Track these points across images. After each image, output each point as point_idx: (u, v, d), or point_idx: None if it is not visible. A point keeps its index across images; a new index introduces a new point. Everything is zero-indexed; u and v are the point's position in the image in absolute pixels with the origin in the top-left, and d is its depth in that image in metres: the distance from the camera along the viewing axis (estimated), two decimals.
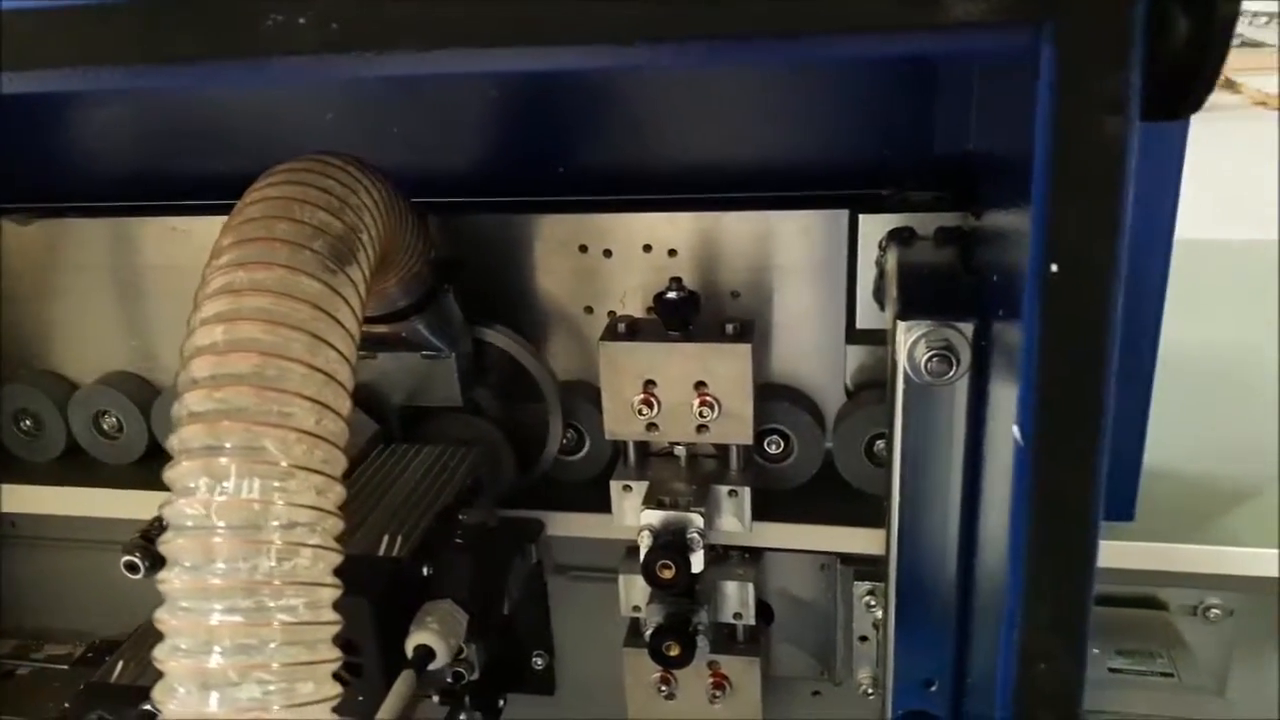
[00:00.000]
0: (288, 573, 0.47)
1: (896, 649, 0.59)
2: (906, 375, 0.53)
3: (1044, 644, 0.37)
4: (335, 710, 0.49)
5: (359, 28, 0.34)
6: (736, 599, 0.80)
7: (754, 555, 0.81)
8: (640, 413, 0.73)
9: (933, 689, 0.60)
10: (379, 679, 0.60)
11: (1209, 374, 1.02)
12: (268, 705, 0.46)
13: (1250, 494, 0.80)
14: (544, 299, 0.81)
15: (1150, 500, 0.74)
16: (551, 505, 0.82)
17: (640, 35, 0.33)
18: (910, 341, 0.52)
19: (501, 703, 0.84)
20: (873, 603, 0.78)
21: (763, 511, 0.77)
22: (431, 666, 0.63)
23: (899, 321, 0.52)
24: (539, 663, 0.90)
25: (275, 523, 0.47)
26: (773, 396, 0.78)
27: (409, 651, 0.62)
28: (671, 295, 0.71)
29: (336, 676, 0.49)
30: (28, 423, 0.91)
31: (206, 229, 0.80)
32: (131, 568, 0.68)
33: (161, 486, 0.47)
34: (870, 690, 0.81)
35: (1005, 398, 0.40)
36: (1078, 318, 0.33)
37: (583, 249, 0.78)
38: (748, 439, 0.73)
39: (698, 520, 0.73)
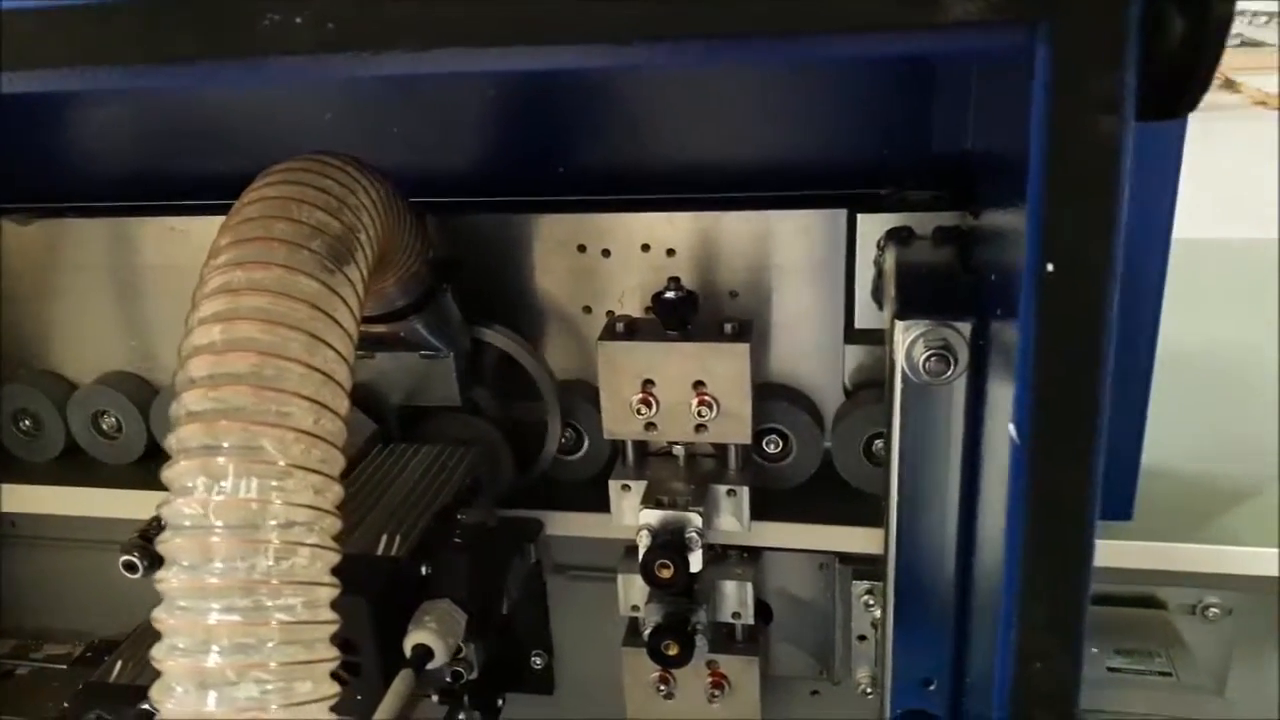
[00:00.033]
0: (285, 572, 0.47)
1: (895, 648, 0.59)
2: (904, 375, 0.53)
3: (1040, 643, 0.37)
4: (333, 709, 0.49)
5: (355, 27, 0.34)
6: (735, 598, 0.80)
7: (753, 555, 0.81)
8: (639, 412, 0.73)
9: (931, 688, 0.60)
10: (377, 678, 0.61)
11: (1208, 373, 1.02)
12: (265, 704, 0.46)
13: (1249, 493, 0.80)
14: (542, 299, 0.81)
15: (1149, 499, 0.74)
16: (550, 505, 0.82)
17: (638, 34, 0.33)
18: (908, 341, 0.52)
19: (500, 702, 0.84)
20: (871, 602, 0.78)
21: (761, 511, 0.77)
22: (430, 666, 0.63)
23: (897, 321, 0.52)
24: (538, 662, 0.90)
25: (273, 522, 0.47)
26: (771, 396, 0.78)
27: (407, 651, 0.62)
28: (670, 295, 0.71)
29: (334, 676, 0.50)
30: (27, 423, 0.91)
31: (205, 229, 0.80)
32: (130, 567, 0.68)
33: (160, 486, 0.47)
34: (869, 689, 0.81)
35: (1003, 397, 0.40)
36: (1073, 317, 0.33)
37: (581, 249, 0.78)
38: (746, 438, 0.74)
39: (696, 520, 0.73)
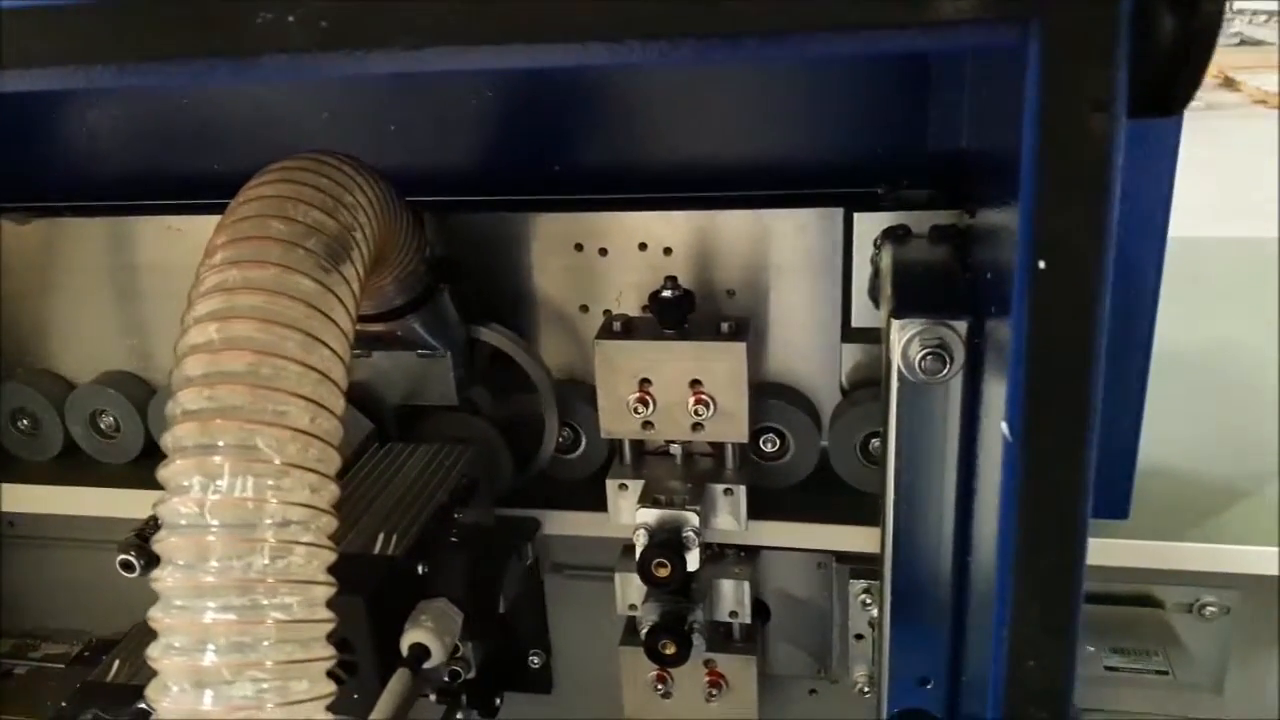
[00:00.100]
0: (281, 571, 0.47)
1: (892, 647, 0.59)
2: (901, 373, 0.53)
3: (1033, 642, 0.37)
4: (330, 708, 0.49)
5: (349, 26, 0.34)
6: (733, 597, 0.80)
7: (750, 554, 0.82)
8: (636, 411, 0.73)
9: (928, 687, 0.60)
10: (374, 677, 0.61)
11: (1207, 372, 1.02)
12: (261, 703, 0.46)
13: (1246, 492, 0.80)
14: (540, 297, 0.81)
15: (1146, 498, 0.74)
16: (548, 504, 0.82)
17: (631, 34, 0.33)
18: (904, 339, 0.52)
19: (498, 701, 0.84)
20: (869, 601, 0.78)
21: (758, 510, 0.77)
22: (427, 665, 0.63)
23: (893, 319, 0.52)
24: (536, 661, 0.90)
25: (269, 521, 0.47)
26: (768, 395, 0.78)
27: (404, 650, 0.63)
28: (667, 294, 0.71)
29: (331, 675, 0.50)
30: (25, 422, 0.91)
31: (203, 228, 0.79)
32: (127, 566, 0.68)
33: (158, 486, 0.47)
34: (866, 689, 0.81)
35: (998, 395, 0.40)
36: (1065, 314, 0.33)
37: (578, 247, 0.78)
38: (743, 437, 0.74)
39: (693, 519, 0.73)
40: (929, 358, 0.52)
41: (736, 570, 0.80)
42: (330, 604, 0.49)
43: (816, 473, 0.79)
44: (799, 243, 0.75)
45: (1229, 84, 6.89)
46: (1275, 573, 0.73)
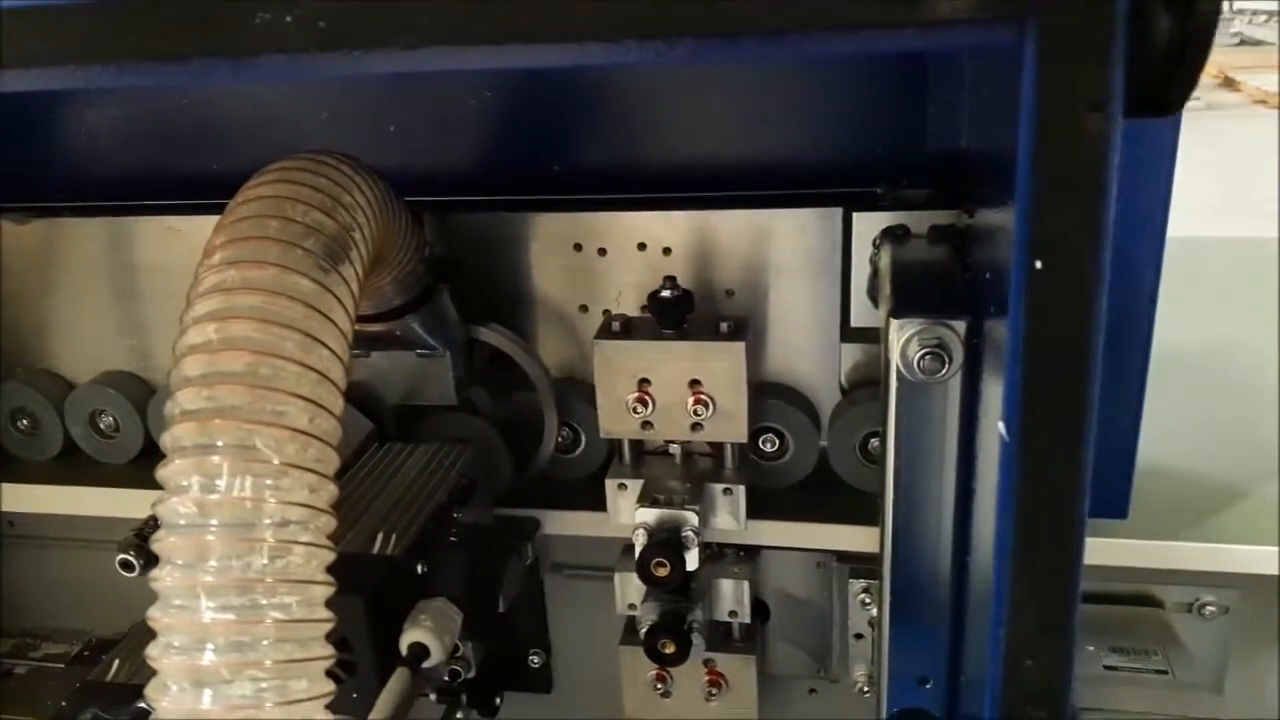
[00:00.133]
0: (280, 570, 0.47)
1: (891, 646, 0.59)
2: (899, 373, 0.53)
3: (1031, 641, 0.37)
4: (329, 708, 0.49)
5: (346, 26, 0.35)
6: (732, 597, 0.80)
7: (749, 553, 0.82)
8: (635, 411, 0.73)
9: (928, 687, 0.60)
10: (373, 677, 0.61)
11: (1207, 371, 1.02)
12: (260, 703, 0.46)
13: (1246, 491, 0.80)
14: (539, 297, 0.81)
15: (1146, 497, 0.74)
16: (547, 504, 0.82)
17: (628, 33, 0.33)
18: (903, 339, 0.52)
19: (498, 701, 0.85)
20: (868, 600, 0.78)
21: (758, 509, 0.77)
22: (426, 664, 0.63)
23: (892, 319, 0.52)
24: (536, 661, 0.90)
25: (268, 521, 0.47)
26: (768, 395, 0.78)
27: (403, 649, 0.63)
28: (666, 294, 0.71)
29: (330, 674, 0.50)
30: (24, 422, 0.91)
31: (203, 228, 0.79)
32: (126, 566, 0.68)
33: (158, 486, 0.48)
34: (866, 688, 0.81)
35: (997, 395, 0.40)
36: (1062, 314, 0.33)
37: (577, 247, 0.78)
38: (742, 437, 0.74)
39: (692, 518, 0.73)
40: (928, 357, 0.52)
41: (736, 570, 0.80)
42: (329, 603, 0.49)
43: (816, 472, 0.79)
44: (798, 242, 0.75)
45: (1229, 84, 6.89)
46: (1274, 572, 0.73)
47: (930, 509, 0.55)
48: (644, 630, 0.77)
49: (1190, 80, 0.31)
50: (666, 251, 0.77)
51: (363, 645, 0.60)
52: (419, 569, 0.67)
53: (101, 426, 0.89)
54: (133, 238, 0.85)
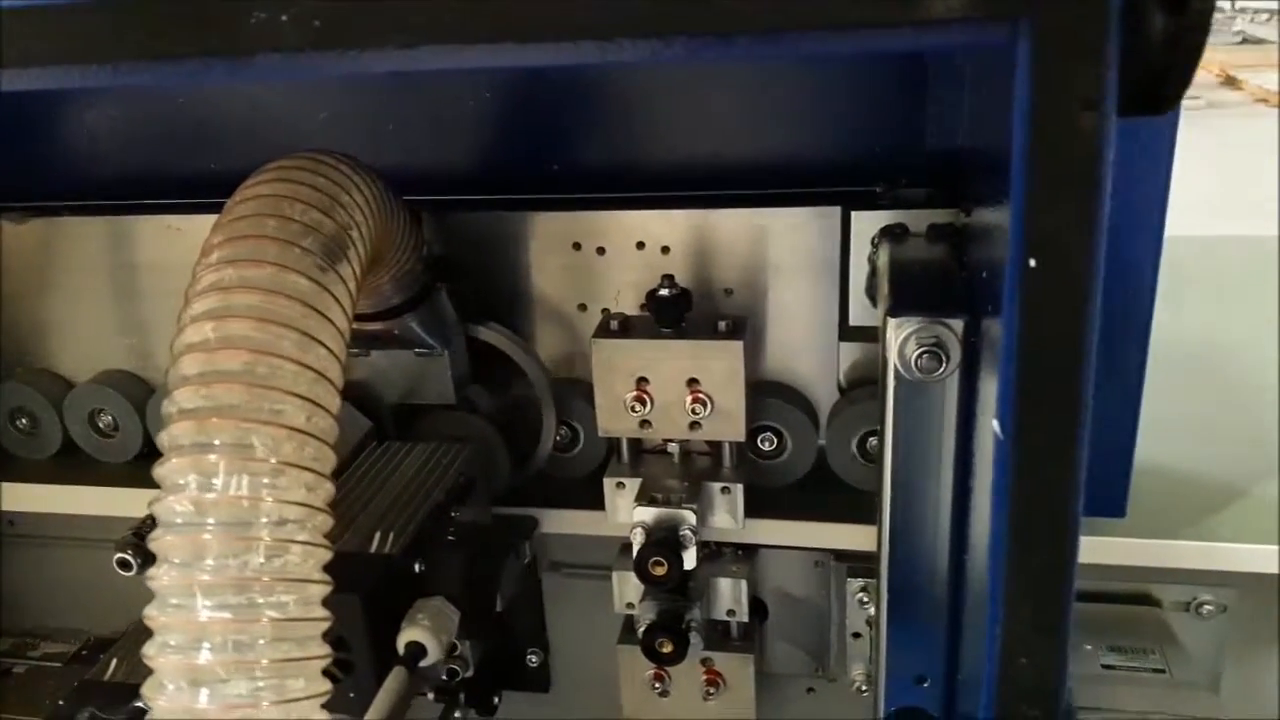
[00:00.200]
0: (277, 569, 0.47)
1: (888, 645, 0.59)
2: (897, 372, 0.53)
3: (1025, 639, 0.37)
4: (326, 707, 0.49)
5: (342, 25, 0.35)
6: (730, 596, 0.80)
7: (748, 552, 0.82)
8: (633, 410, 0.73)
9: (925, 685, 0.60)
10: (370, 676, 0.61)
11: (1207, 370, 1.02)
12: (257, 701, 0.46)
13: (1245, 490, 0.80)
14: (537, 296, 0.81)
15: (1144, 496, 0.74)
16: (546, 502, 0.82)
17: (622, 32, 0.33)
18: (901, 338, 0.52)
19: (496, 700, 0.85)
20: (866, 599, 0.78)
21: (756, 508, 0.77)
22: (424, 663, 0.63)
23: (889, 318, 0.52)
24: (534, 660, 0.90)
25: (265, 519, 0.47)
26: (766, 393, 0.78)
27: (400, 648, 0.63)
28: (664, 292, 0.71)
29: (327, 673, 0.50)
30: (24, 421, 0.91)
31: (202, 227, 0.78)
32: (124, 565, 0.68)
33: (157, 485, 0.48)
34: (864, 687, 0.81)
35: (993, 394, 0.40)
36: (1056, 312, 0.33)
37: (576, 246, 0.78)
38: (740, 436, 0.74)
39: (690, 517, 0.73)
40: (925, 356, 0.52)
41: (734, 569, 0.80)
42: (327, 602, 0.49)
43: (814, 471, 0.79)
44: (797, 241, 0.75)
45: (1230, 82, 6.89)
46: (1272, 571, 0.73)
47: (928, 508, 0.55)
48: (642, 629, 0.77)
49: (1184, 78, 0.31)
50: (665, 250, 0.77)
51: (360, 644, 0.60)
52: (416, 568, 0.67)
53: (101, 426, 0.89)
54: (132, 237, 0.85)
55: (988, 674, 0.38)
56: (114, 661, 0.66)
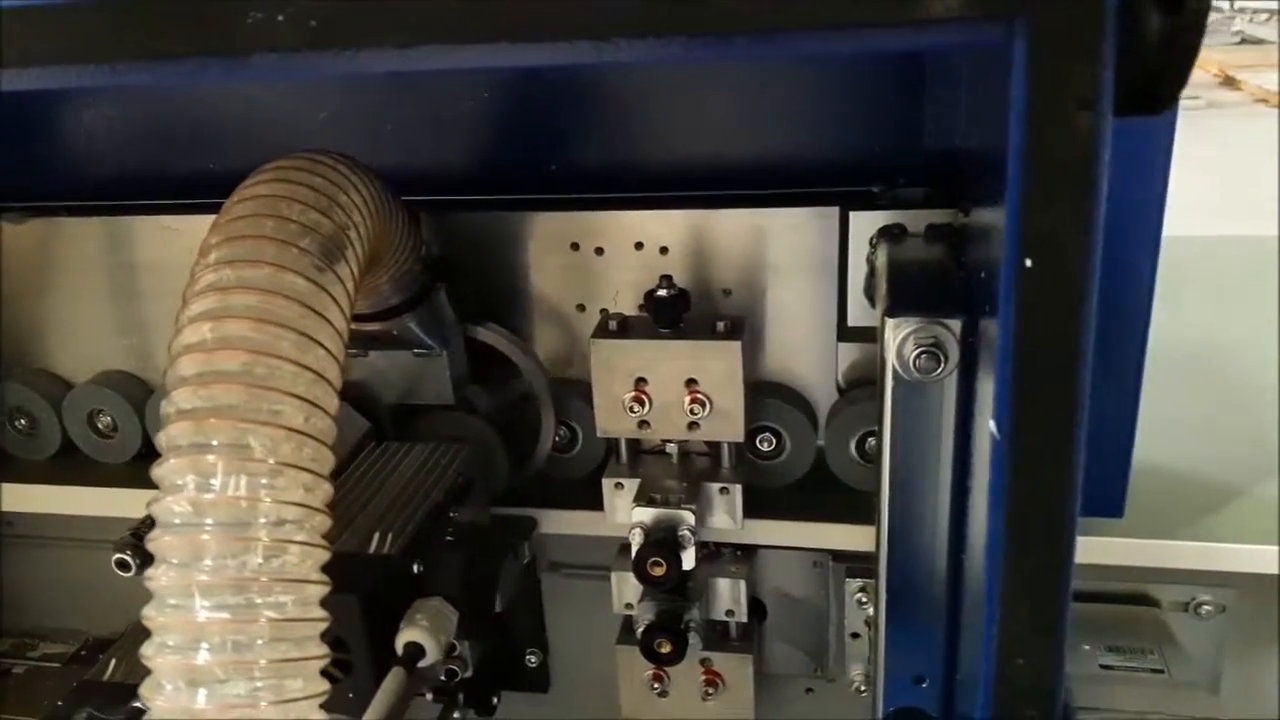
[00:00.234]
0: (276, 570, 0.47)
1: (887, 646, 0.59)
2: (895, 372, 0.53)
3: (1022, 640, 0.37)
4: (325, 707, 0.49)
5: (338, 25, 0.35)
6: (729, 596, 0.80)
7: (746, 552, 0.82)
8: (632, 410, 0.73)
9: (924, 686, 0.60)
10: (369, 676, 0.61)
11: (1207, 370, 1.02)
12: (255, 702, 0.46)
13: (1243, 490, 0.80)
14: (536, 296, 0.81)
15: (1143, 496, 0.74)
16: (544, 503, 0.82)
17: (619, 32, 0.33)
18: (899, 338, 0.52)
19: (496, 700, 0.85)
20: (865, 600, 0.78)
21: (754, 509, 0.77)
22: (422, 664, 0.63)
23: (888, 318, 0.52)
24: (533, 660, 0.90)
25: (263, 520, 0.47)
26: (765, 394, 0.78)
27: (399, 649, 0.63)
28: (662, 293, 0.71)
29: (326, 674, 0.50)
30: (22, 421, 0.91)
31: (200, 227, 0.78)
32: (122, 565, 0.68)
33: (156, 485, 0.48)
34: (863, 687, 0.81)
35: (991, 394, 0.40)
36: (1053, 312, 0.33)
37: (574, 246, 0.78)
38: (739, 436, 0.74)
39: (689, 518, 0.73)
40: (923, 356, 0.51)
41: (733, 569, 0.80)
42: (325, 603, 0.49)
43: (813, 471, 0.79)
44: (795, 242, 0.75)
45: (1230, 83, 6.89)
46: (1271, 571, 0.73)
47: (926, 508, 0.55)
48: (641, 629, 0.77)
49: (1180, 78, 0.31)
50: (664, 251, 0.77)
51: (358, 645, 0.60)
52: (415, 568, 0.67)
53: (100, 426, 0.89)
54: (130, 237, 0.85)
55: (984, 674, 0.38)
56: (113, 662, 0.66)
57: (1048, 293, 0.33)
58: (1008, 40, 0.31)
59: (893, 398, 0.53)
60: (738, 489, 0.76)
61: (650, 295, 0.71)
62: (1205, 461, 0.84)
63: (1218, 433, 0.91)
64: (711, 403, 0.72)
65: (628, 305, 0.79)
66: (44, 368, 0.91)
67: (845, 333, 0.75)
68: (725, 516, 0.76)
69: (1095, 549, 0.72)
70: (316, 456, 0.49)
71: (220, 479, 0.46)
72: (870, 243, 0.71)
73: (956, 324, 0.51)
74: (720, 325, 0.71)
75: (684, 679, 0.82)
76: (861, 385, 0.75)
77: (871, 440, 0.76)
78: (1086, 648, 0.76)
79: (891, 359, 0.52)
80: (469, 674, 0.77)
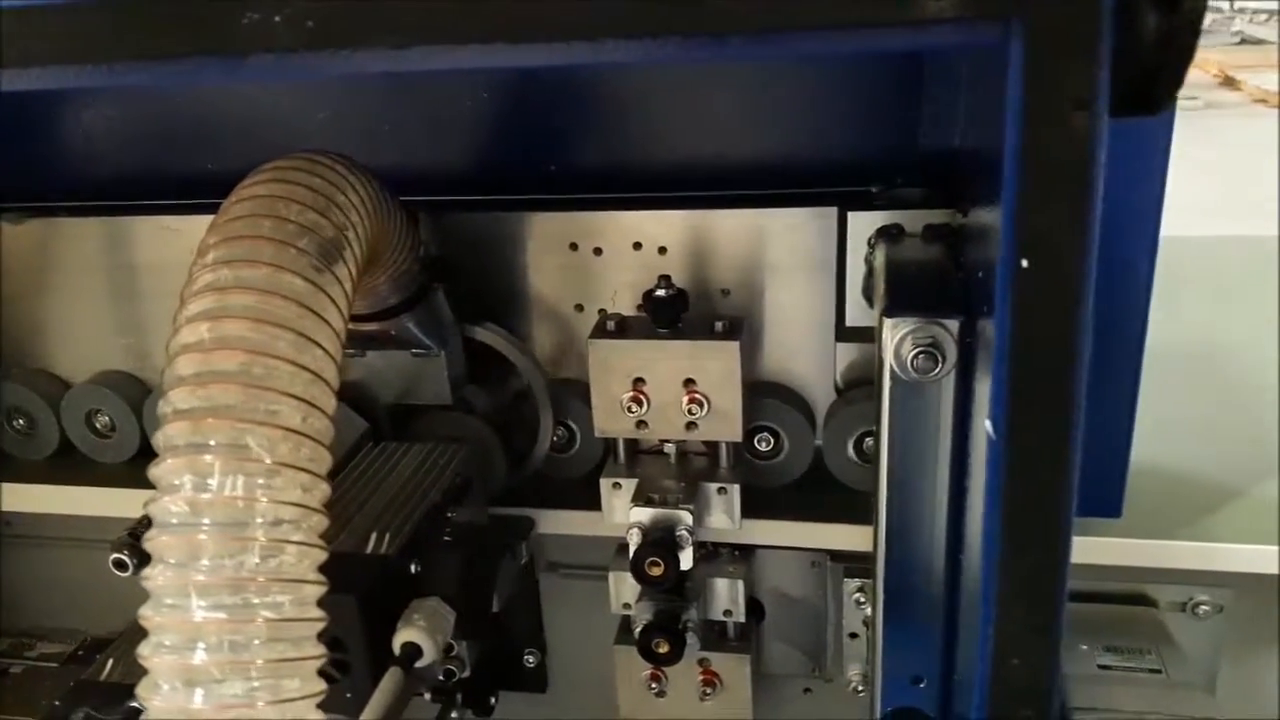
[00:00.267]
0: (273, 570, 0.47)
1: (885, 646, 0.59)
2: (893, 372, 0.53)
3: (1018, 640, 0.37)
4: (323, 707, 0.49)
5: (334, 26, 0.35)
6: (727, 596, 0.80)
7: (744, 552, 0.82)
8: (630, 410, 0.73)
9: (922, 686, 0.60)
10: (366, 676, 0.61)
11: (1206, 370, 1.02)
12: (252, 701, 0.46)
13: (1241, 490, 0.80)
14: (534, 297, 0.81)
15: (1141, 496, 0.74)
16: (542, 503, 0.82)
17: (613, 32, 0.33)
18: (897, 338, 0.52)
19: (494, 700, 0.85)
20: (863, 600, 0.78)
21: (753, 509, 0.77)
22: (420, 664, 0.63)
23: (885, 318, 0.52)
24: (531, 660, 0.90)
25: (260, 520, 0.47)
26: (763, 394, 0.78)
27: (396, 649, 0.63)
28: (660, 293, 0.71)
29: (323, 674, 0.50)
30: (21, 421, 0.91)
31: (199, 227, 0.78)
32: (120, 565, 0.68)
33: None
34: (861, 687, 0.81)
35: (988, 394, 0.40)
36: (1048, 312, 0.33)
37: (573, 247, 0.78)
38: (737, 436, 0.74)
39: (686, 518, 0.73)
40: (921, 356, 0.51)
41: (731, 569, 0.80)
42: (322, 603, 0.49)
43: (811, 471, 0.79)
44: (793, 242, 0.75)
45: (1229, 83, 6.90)
46: (1268, 571, 0.73)
47: (925, 508, 0.55)
48: (638, 629, 0.77)
49: (1176, 78, 0.31)
50: (662, 251, 0.77)
51: (356, 645, 0.60)
52: (413, 568, 0.67)
53: (98, 426, 0.89)
54: (129, 237, 0.85)
55: (979, 674, 0.38)
56: (110, 662, 0.66)
57: (1043, 293, 0.33)
58: (1003, 40, 0.31)
59: (890, 398, 0.53)
60: (736, 489, 0.76)
61: (648, 295, 0.71)
62: (1204, 462, 0.84)
63: (1217, 433, 0.91)
64: (709, 403, 0.72)
65: (626, 305, 0.79)
66: (42, 367, 0.91)
67: (843, 333, 0.75)
68: (723, 516, 0.77)
69: (1093, 549, 0.72)
70: (314, 456, 0.49)
71: (217, 479, 0.46)
72: (868, 243, 0.71)
73: (954, 324, 0.51)
74: (718, 325, 0.71)
75: (682, 679, 0.82)
76: (860, 385, 0.75)
77: (870, 440, 0.76)
78: (1084, 648, 0.76)
79: (889, 359, 0.52)
80: (467, 674, 0.77)
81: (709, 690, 0.82)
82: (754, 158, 0.78)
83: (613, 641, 0.82)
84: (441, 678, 0.76)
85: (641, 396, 0.72)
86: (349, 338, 0.54)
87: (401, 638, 0.63)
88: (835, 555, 0.80)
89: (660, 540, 0.72)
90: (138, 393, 0.88)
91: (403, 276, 0.70)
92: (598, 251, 0.78)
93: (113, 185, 0.87)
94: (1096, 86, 0.30)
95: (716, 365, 0.71)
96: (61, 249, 0.86)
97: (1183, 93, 0.34)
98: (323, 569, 0.50)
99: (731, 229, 0.76)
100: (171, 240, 0.83)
